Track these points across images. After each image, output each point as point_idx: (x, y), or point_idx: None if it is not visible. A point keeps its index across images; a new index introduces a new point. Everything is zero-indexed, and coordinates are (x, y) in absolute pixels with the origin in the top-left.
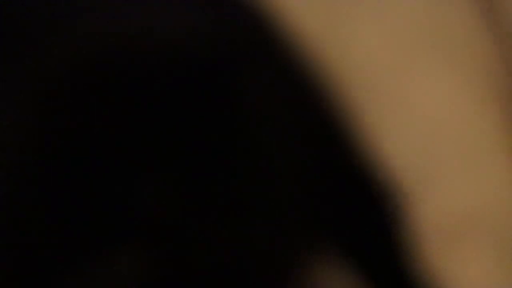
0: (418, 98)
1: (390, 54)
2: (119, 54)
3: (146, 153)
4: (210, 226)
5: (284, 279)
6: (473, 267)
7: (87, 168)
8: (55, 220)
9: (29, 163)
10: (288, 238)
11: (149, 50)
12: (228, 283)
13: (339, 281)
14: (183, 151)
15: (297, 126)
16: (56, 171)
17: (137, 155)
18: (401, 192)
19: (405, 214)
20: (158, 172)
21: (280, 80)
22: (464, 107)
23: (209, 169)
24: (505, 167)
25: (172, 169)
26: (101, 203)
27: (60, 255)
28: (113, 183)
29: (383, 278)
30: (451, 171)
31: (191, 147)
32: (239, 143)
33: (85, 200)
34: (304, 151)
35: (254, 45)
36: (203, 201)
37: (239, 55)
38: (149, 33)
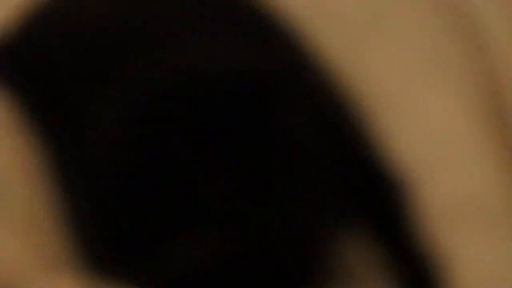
0: (424, 108)
1: (401, 72)
2: (193, 80)
3: (214, 162)
4: (262, 213)
5: (319, 251)
6: (473, 244)
7: (173, 174)
8: (151, 213)
9: (129, 169)
10: (322, 223)
11: (213, 78)
12: (279, 257)
13: (362, 256)
14: (240, 159)
15: (325, 133)
16: (149, 175)
17: (208, 164)
18: (411, 180)
19: (414, 198)
20: (225, 177)
21: (310, 98)
22: (460, 113)
23: (260, 171)
24: (493, 160)
25: (233, 174)
26: (182, 200)
27: (155, 238)
28: (189, 185)
29: (396, 253)
30: (452, 164)
31: (246, 155)
32: (279, 150)
33: (173, 198)
34: (332, 151)
35: (289, 73)
36: (256, 195)
37: (278, 81)
38: (213, 63)
